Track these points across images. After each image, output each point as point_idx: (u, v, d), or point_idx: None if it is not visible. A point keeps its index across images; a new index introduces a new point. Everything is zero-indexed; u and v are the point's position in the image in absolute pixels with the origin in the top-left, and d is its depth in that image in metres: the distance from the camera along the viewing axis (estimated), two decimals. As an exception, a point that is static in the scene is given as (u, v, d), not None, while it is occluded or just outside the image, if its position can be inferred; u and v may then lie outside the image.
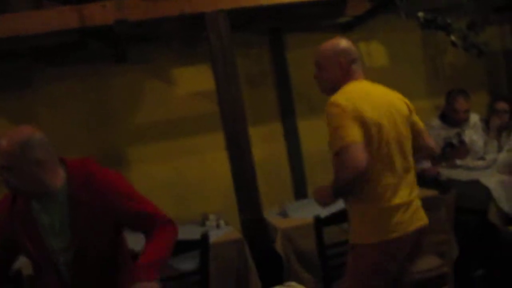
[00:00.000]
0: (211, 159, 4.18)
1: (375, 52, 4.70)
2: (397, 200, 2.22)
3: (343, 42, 2.39)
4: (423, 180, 4.03)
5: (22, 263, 2.50)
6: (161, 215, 2.11)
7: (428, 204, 3.10)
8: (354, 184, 2.11)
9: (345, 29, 4.47)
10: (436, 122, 4.29)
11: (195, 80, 4.23)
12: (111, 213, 2.03)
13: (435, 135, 4.22)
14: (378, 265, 2.22)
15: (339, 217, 2.81)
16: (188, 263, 2.99)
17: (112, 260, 2.12)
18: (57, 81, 4.04)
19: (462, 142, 4.11)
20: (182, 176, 4.18)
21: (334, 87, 2.30)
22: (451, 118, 4.25)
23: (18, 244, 2.05)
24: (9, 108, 4.00)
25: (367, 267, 2.22)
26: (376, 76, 4.61)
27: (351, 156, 2.07)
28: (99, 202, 2.01)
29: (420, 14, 3.51)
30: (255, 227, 3.40)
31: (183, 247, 2.86)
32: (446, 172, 4.04)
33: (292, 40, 4.42)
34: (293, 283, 2.02)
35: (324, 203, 2.29)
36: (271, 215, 3.52)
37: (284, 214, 3.50)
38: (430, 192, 3.49)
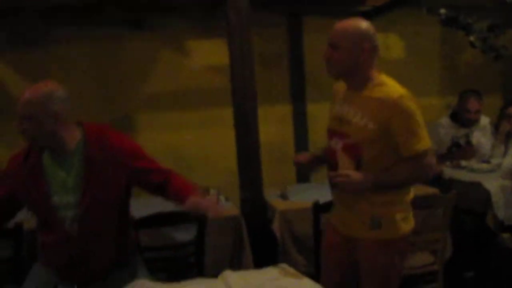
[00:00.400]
0: (217, 134, 4.20)
1: (392, 44, 4.68)
2: (412, 193, 2.28)
3: (368, 26, 2.21)
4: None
5: (23, 217, 2.54)
6: (169, 170, 2.26)
7: (427, 202, 3.14)
8: None
9: (364, 18, 4.43)
10: (445, 120, 4.28)
11: (209, 54, 4.24)
12: (123, 173, 2.12)
13: (443, 133, 4.22)
14: (406, 255, 2.29)
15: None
16: (185, 234, 3.04)
17: (117, 221, 2.19)
18: (72, 43, 4.06)
19: (469, 143, 4.11)
20: (188, 148, 4.23)
21: (347, 72, 2.17)
22: (461, 118, 4.24)
23: (25, 197, 2.11)
24: (22, 65, 4.04)
25: (401, 260, 2.23)
26: (391, 68, 4.58)
27: (432, 160, 2.14)
28: (113, 162, 2.10)
29: (442, 11, 3.48)
30: (254, 206, 3.43)
31: (181, 218, 2.91)
32: (449, 172, 4.05)
33: (310, 24, 4.41)
34: (285, 266, 2.05)
35: (353, 191, 2.16)
36: (271, 196, 3.54)
37: (284, 196, 3.52)
38: (431, 190, 3.51)
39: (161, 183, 2.21)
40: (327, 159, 2.29)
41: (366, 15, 4.44)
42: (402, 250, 2.24)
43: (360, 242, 2.21)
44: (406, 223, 2.21)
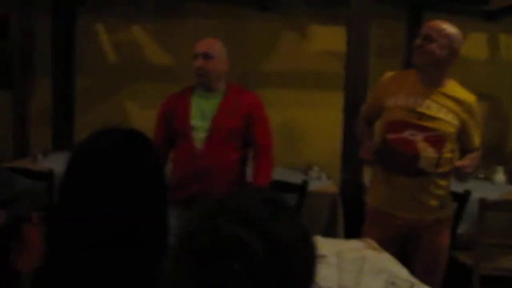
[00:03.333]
0: (326, 116, 4.39)
1: (515, 46, 4.58)
2: None
3: (459, 32, 2.50)
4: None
5: (55, 163, 2.99)
6: (265, 145, 2.77)
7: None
8: None
9: (488, 18, 4.39)
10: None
11: (328, 39, 4.43)
12: (244, 119, 2.70)
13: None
14: None
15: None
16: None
17: (234, 152, 2.74)
18: (204, 17, 4.45)
19: None
20: (298, 125, 4.49)
21: (433, 65, 2.43)
22: None
23: (172, 118, 2.74)
24: (160, 35, 4.52)
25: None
26: (511, 70, 4.55)
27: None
28: (240, 110, 2.70)
29: None
30: (352, 187, 3.61)
31: (284, 188, 3.20)
32: None
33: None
34: (370, 240, 2.26)
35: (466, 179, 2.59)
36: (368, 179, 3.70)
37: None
38: None
39: (256, 147, 2.76)
40: (395, 149, 2.47)
41: (490, 16, 4.40)
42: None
43: (431, 223, 2.52)
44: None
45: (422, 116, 2.42)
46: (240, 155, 2.77)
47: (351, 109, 3.56)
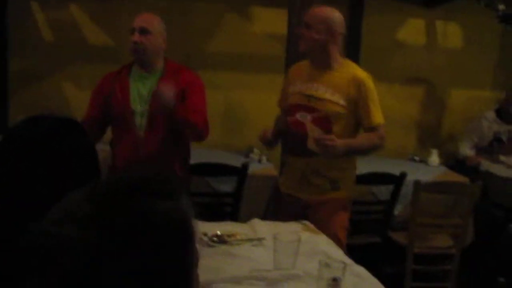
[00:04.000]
0: (267, 99, 4.39)
1: (451, 33, 4.72)
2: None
3: (340, 15, 2.59)
4: (463, 166, 4.19)
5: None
6: (205, 122, 2.61)
7: (453, 188, 3.30)
8: None
9: (427, 5, 4.51)
10: (490, 114, 4.34)
11: (270, 22, 4.43)
12: (181, 95, 2.55)
13: (486, 127, 4.30)
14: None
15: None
16: (225, 186, 3.33)
17: (173, 140, 2.66)
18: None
19: (510, 139, 4.19)
20: (238, 108, 4.49)
21: (317, 51, 2.53)
22: (507, 114, 4.30)
23: (111, 102, 2.61)
24: (98, 14, 4.38)
25: (348, 222, 2.74)
26: (447, 57, 4.71)
27: (384, 133, 2.57)
28: (179, 86, 2.54)
29: (501, 7, 3.50)
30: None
31: (223, 171, 3.21)
32: (487, 165, 4.15)
33: (372, 4, 4.49)
34: (307, 223, 2.30)
35: (330, 155, 2.45)
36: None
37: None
38: (461, 178, 3.66)
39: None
40: (291, 131, 2.57)
41: (428, 3, 4.51)
42: (350, 212, 2.71)
43: (320, 204, 2.57)
44: (353, 188, 2.70)
45: (310, 98, 2.54)
46: (183, 136, 2.71)
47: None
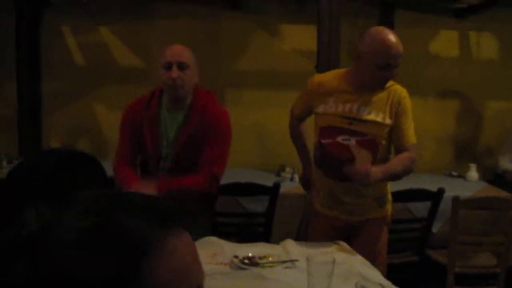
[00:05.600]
0: (298, 116, 4.37)
1: (485, 44, 4.59)
2: None
3: None
4: (504, 180, 4.04)
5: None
6: (216, 173, 2.40)
7: (496, 204, 3.16)
8: None
9: (458, 16, 4.41)
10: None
11: (299, 39, 4.40)
12: (203, 141, 2.37)
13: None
14: None
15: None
16: (257, 206, 3.27)
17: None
18: (174, 18, 4.37)
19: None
20: (270, 126, 4.43)
21: None
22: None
23: (142, 145, 2.43)
24: (129, 37, 4.43)
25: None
26: (481, 68, 4.58)
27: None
28: (203, 129, 2.37)
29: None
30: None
31: (255, 190, 3.15)
32: None
33: (402, 17, 4.42)
34: (343, 243, 2.21)
35: (365, 183, 2.27)
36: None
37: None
38: (503, 193, 3.51)
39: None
40: (329, 154, 2.32)
41: (460, 13, 4.41)
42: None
43: (367, 221, 2.46)
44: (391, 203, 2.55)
45: (352, 121, 2.35)
46: None
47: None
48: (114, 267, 0.63)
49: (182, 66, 2.34)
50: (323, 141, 2.32)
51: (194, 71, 2.41)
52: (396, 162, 2.37)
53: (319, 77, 2.55)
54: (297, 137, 2.74)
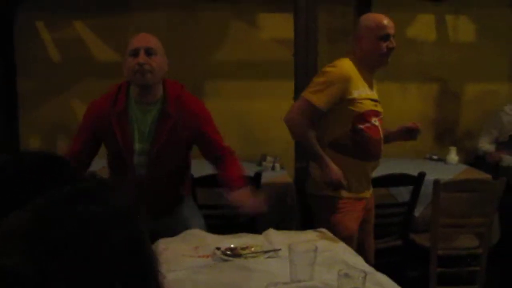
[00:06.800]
0: (278, 105, 4.33)
1: (462, 26, 4.61)
2: None
3: None
4: (484, 162, 4.07)
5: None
6: (227, 147, 2.44)
7: (475, 186, 3.19)
8: None
9: (435, 0, 4.41)
10: (510, 108, 4.22)
11: (277, 27, 4.37)
12: (190, 132, 2.36)
13: (506, 121, 4.18)
14: None
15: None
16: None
17: (178, 170, 2.48)
18: (151, 10, 4.31)
19: (532, 132, 4.06)
20: (249, 116, 4.41)
21: None
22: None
23: (110, 141, 2.36)
24: (104, 30, 4.36)
25: None
26: (460, 52, 4.61)
27: None
28: (183, 122, 2.33)
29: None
30: (307, 175, 3.58)
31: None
32: (509, 159, 4.03)
33: (379, 2, 4.41)
34: (325, 230, 2.21)
35: None
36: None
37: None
38: (483, 175, 3.54)
39: (216, 156, 2.43)
40: (365, 137, 2.60)
41: (437, -3, 4.41)
42: None
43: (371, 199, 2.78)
44: None
45: (377, 103, 2.66)
46: (186, 166, 2.55)
47: (302, 97, 3.53)
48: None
49: (149, 52, 2.27)
50: (361, 126, 2.55)
51: (163, 60, 2.33)
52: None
53: (344, 65, 2.59)
54: (309, 136, 2.59)
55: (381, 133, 2.62)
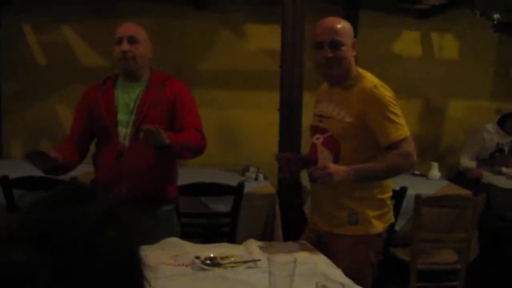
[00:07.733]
0: (263, 116, 4.37)
1: (447, 44, 4.68)
2: (390, 190, 2.29)
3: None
4: (465, 178, 4.11)
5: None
6: (199, 127, 2.49)
7: (456, 202, 3.22)
8: None
9: (421, 17, 4.47)
10: (492, 126, 4.28)
11: (264, 39, 4.39)
12: (168, 107, 2.46)
13: (488, 138, 4.24)
14: (380, 252, 2.31)
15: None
16: (221, 206, 3.25)
17: (160, 153, 2.43)
18: (138, 17, 4.29)
19: (512, 151, 4.12)
20: (234, 126, 4.43)
21: (342, 66, 2.19)
22: (509, 125, 4.23)
23: (96, 114, 2.48)
24: (91, 36, 4.35)
25: (375, 257, 2.24)
26: (444, 68, 4.67)
27: (410, 148, 2.10)
28: (165, 97, 2.47)
29: (496, 16, 3.46)
30: (290, 186, 3.59)
31: (219, 190, 3.13)
32: (489, 177, 4.08)
33: (366, 17, 4.46)
34: (305, 242, 2.21)
35: (329, 183, 2.03)
36: (307, 180, 3.69)
37: (320, 182, 3.66)
38: (464, 192, 3.57)
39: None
40: (310, 156, 2.28)
41: (422, 14, 4.48)
42: (377, 247, 2.25)
43: (338, 237, 2.20)
44: (380, 221, 2.20)
45: (322, 118, 2.25)
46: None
47: (286, 109, 3.55)
48: None
49: (132, 40, 2.44)
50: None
51: (146, 47, 2.51)
52: (377, 159, 2.09)
53: (322, 84, 2.41)
54: None
55: (318, 152, 2.22)
